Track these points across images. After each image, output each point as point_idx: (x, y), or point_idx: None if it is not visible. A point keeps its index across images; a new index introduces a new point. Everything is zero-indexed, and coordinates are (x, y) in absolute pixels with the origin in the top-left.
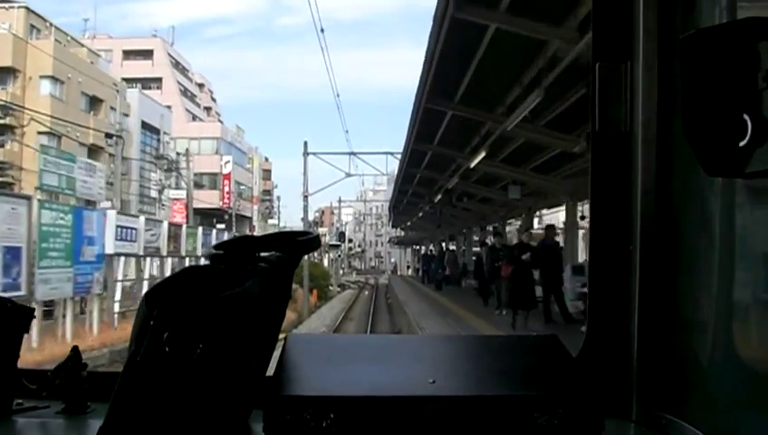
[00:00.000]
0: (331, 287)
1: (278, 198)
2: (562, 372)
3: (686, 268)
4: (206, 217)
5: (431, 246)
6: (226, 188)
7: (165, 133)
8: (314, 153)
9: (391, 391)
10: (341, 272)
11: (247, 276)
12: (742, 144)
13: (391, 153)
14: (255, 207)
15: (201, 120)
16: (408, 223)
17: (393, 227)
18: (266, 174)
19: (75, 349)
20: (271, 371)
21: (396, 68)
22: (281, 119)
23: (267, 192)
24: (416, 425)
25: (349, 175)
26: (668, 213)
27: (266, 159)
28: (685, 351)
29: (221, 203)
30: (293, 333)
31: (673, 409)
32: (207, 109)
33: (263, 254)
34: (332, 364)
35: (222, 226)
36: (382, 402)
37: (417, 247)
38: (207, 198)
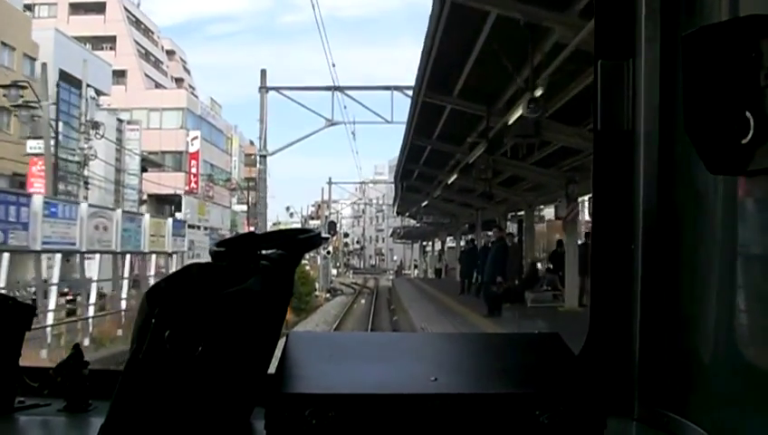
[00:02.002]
0: (317, 294)
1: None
2: (564, 370)
3: (688, 266)
4: (170, 203)
5: (449, 240)
6: (194, 170)
7: (89, 86)
8: (276, 88)
9: (393, 388)
10: (336, 272)
11: (249, 274)
12: (744, 142)
13: (398, 88)
14: (232, 194)
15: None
16: (424, 203)
17: (398, 213)
18: (251, 159)
19: (77, 347)
20: (272, 368)
21: (398, 65)
22: (282, 116)
23: (251, 180)
24: (417, 423)
25: (332, 123)
26: (670, 211)
27: (251, 143)
28: (687, 349)
29: (187, 187)
30: (294, 330)
31: (675, 407)
32: (178, 80)
33: (264, 251)
34: (334, 362)
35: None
36: (384, 400)
37: (425, 243)
38: (171, 182)
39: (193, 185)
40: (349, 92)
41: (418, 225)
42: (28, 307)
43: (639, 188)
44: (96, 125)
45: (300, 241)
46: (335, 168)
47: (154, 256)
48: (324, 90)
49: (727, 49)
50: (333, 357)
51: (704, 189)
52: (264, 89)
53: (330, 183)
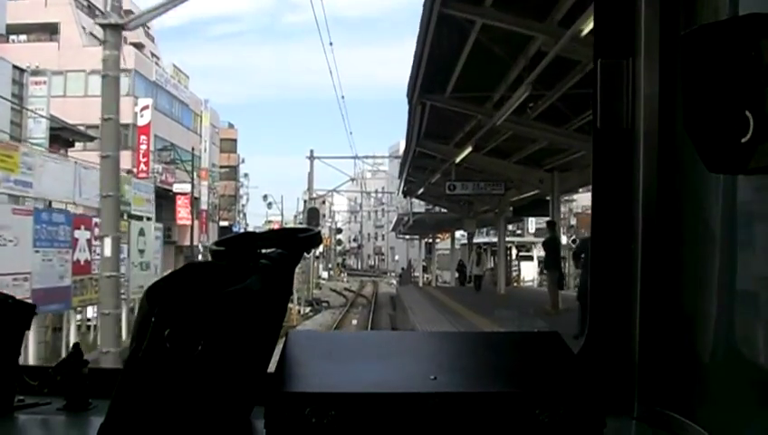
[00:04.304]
0: (290, 306)
1: (246, 175)
2: (564, 369)
3: (688, 265)
4: None
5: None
6: (143, 147)
7: None
8: None
9: (392, 387)
10: (327, 275)
11: (248, 273)
12: (744, 140)
13: None
14: (205, 183)
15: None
16: (461, 157)
17: (405, 193)
18: (229, 145)
19: (76, 346)
20: (272, 367)
21: (400, 65)
22: (283, 117)
23: (230, 168)
24: (417, 422)
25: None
26: (670, 210)
27: (231, 126)
28: (687, 348)
29: (135, 169)
30: (294, 329)
31: (675, 406)
32: (137, 46)
33: (264, 250)
34: (334, 361)
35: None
36: (383, 399)
37: (439, 237)
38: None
39: (143, 166)
40: None
41: (436, 209)
42: (28, 306)
43: (639, 187)
44: None
45: (300, 240)
46: (334, 169)
47: None
48: None
49: (727, 48)
50: (333, 356)
51: (703, 188)
52: None
53: (311, 157)
